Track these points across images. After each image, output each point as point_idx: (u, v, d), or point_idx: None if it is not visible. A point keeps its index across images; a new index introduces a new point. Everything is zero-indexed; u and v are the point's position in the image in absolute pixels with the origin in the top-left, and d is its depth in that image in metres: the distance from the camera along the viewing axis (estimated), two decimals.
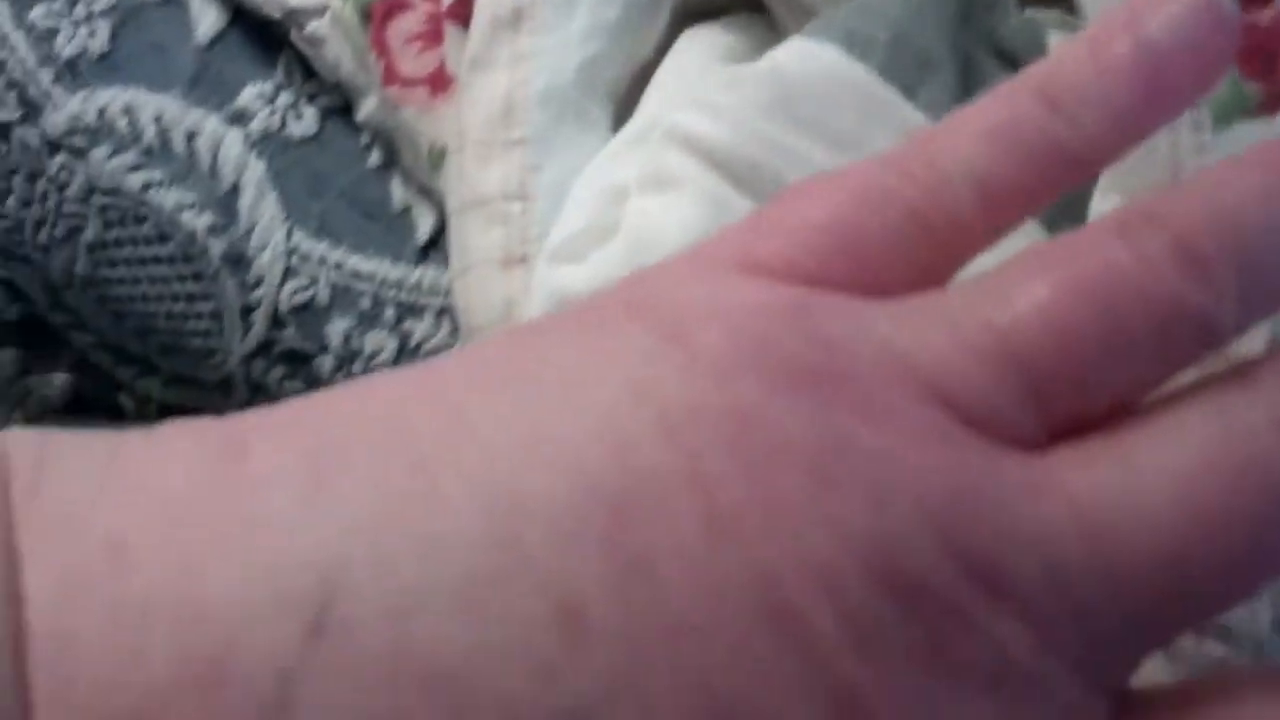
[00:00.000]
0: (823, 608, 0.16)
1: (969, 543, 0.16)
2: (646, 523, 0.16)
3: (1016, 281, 0.18)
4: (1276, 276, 0.18)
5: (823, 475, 0.16)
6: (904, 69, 0.29)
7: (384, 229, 0.37)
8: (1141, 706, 0.18)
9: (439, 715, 0.15)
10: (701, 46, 0.32)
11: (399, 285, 0.36)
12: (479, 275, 0.31)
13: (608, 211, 0.30)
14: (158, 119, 0.37)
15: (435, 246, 0.36)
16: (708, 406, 0.17)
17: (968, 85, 0.29)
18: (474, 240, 0.31)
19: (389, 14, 0.34)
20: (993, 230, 0.19)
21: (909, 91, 0.28)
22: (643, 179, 0.29)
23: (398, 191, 0.37)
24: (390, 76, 0.34)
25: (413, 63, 0.34)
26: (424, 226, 0.37)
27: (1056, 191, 0.19)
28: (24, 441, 0.17)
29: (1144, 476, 0.17)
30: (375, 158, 0.37)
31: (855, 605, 0.16)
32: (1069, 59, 0.19)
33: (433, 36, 0.34)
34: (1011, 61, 0.29)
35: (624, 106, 0.33)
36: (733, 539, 0.16)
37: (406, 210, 0.37)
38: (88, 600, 0.15)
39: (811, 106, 0.28)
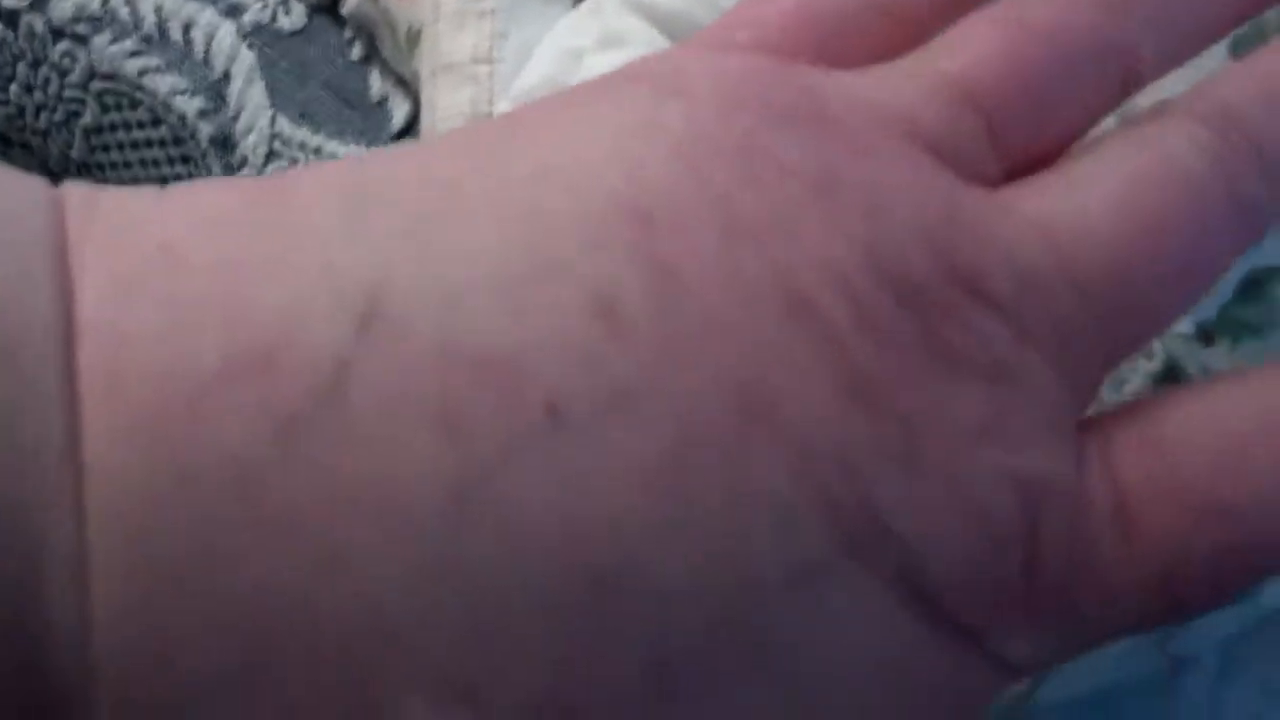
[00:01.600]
0: (835, 300, 0.17)
1: (951, 251, 0.18)
2: (669, 231, 0.17)
3: (962, 36, 0.20)
4: (1190, 19, 0.21)
5: (823, 191, 0.17)
6: None
7: (361, 117, 0.40)
8: (1112, 416, 0.19)
9: (487, 396, 0.15)
10: None
11: None
12: (448, 129, 0.34)
13: (564, 69, 0.33)
14: (158, 9, 0.41)
15: (409, 133, 0.40)
16: (713, 136, 0.18)
17: None
18: (444, 99, 0.35)
19: None
20: (944, 12, 0.21)
21: None
22: (597, 40, 0.33)
23: (376, 83, 0.40)
24: None
25: None
26: (399, 115, 0.40)
27: None
28: (76, 186, 0.17)
29: (1088, 196, 0.19)
30: (357, 51, 0.40)
31: (862, 298, 0.17)
32: None
33: None
34: None
35: None
36: (750, 243, 0.17)
37: (384, 100, 0.40)
38: (139, 297, 0.15)
39: None
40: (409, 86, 0.39)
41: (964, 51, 0.20)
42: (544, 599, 0.15)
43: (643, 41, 0.32)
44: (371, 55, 0.40)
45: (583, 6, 0.34)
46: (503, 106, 0.32)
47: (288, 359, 0.15)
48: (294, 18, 0.41)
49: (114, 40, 0.41)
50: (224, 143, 0.40)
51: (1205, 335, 0.27)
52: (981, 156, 0.19)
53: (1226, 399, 0.19)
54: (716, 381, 0.16)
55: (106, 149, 0.42)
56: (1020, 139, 0.20)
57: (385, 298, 0.16)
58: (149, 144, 0.41)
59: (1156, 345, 0.27)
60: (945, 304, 0.18)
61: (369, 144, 0.40)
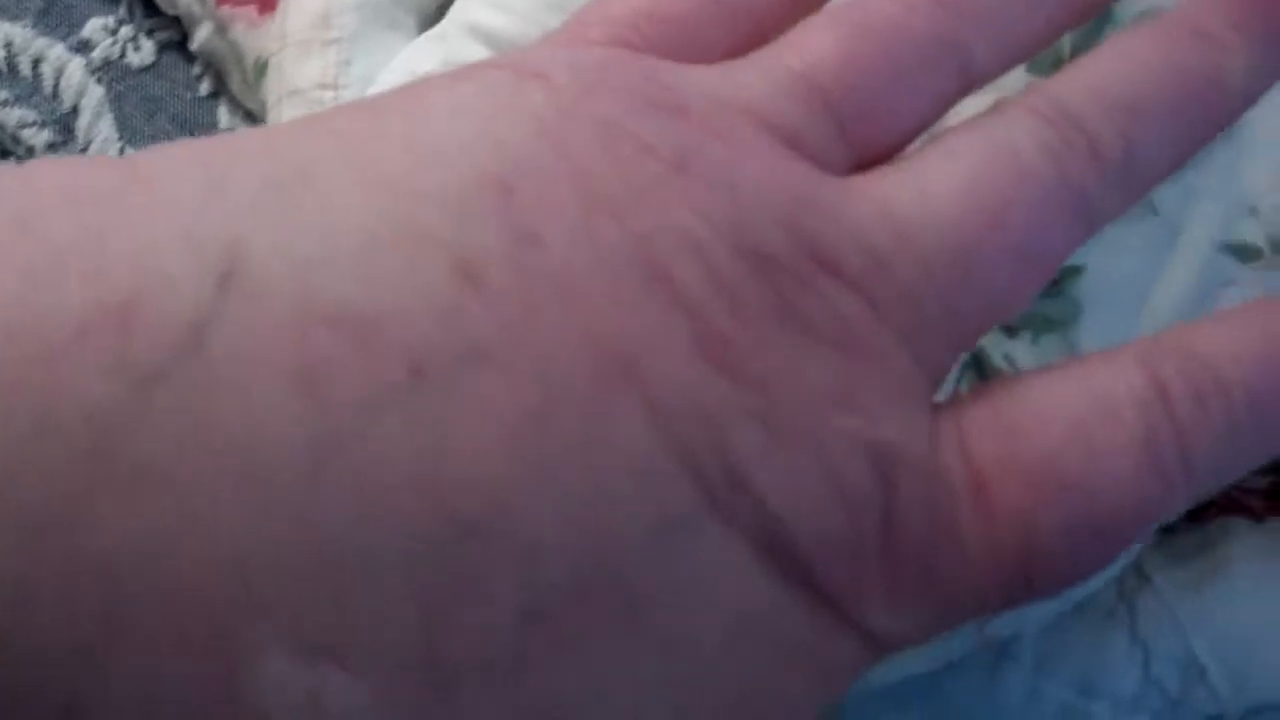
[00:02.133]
0: (691, 267, 0.17)
1: (803, 227, 0.18)
2: (531, 201, 0.17)
3: (806, 35, 0.21)
4: (1024, 21, 0.22)
5: (680, 167, 0.18)
6: None
7: None
8: (964, 399, 0.20)
9: (347, 353, 0.16)
10: None
11: None
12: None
13: None
14: (7, 44, 0.41)
15: None
16: (573, 115, 0.18)
17: None
18: None
19: None
20: (788, 11, 0.22)
21: None
22: (440, 66, 0.34)
23: (224, 117, 0.41)
24: None
25: None
26: None
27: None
28: None
29: (931, 183, 0.20)
30: (205, 86, 0.41)
31: (718, 267, 0.18)
32: None
33: None
34: None
35: (432, 24, 0.37)
36: (608, 213, 0.17)
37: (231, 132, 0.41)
38: None
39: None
40: (257, 119, 0.40)
41: (809, 49, 0.21)
42: (408, 553, 0.15)
43: None
44: (220, 90, 0.41)
45: (427, 34, 0.36)
46: None
47: (145, 316, 0.15)
48: (143, 54, 0.41)
49: None
50: None
51: (1009, 328, 0.29)
52: (829, 147, 0.20)
53: (1070, 382, 0.20)
54: (576, 341, 0.17)
55: None
56: (865, 132, 0.21)
57: (244, 258, 0.16)
58: None
59: None
60: (799, 276, 0.18)
61: None
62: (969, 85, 0.22)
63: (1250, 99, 0.22)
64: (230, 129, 0.41)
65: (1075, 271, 0.29)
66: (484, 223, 0.17)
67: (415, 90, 0.19)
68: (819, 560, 0.18)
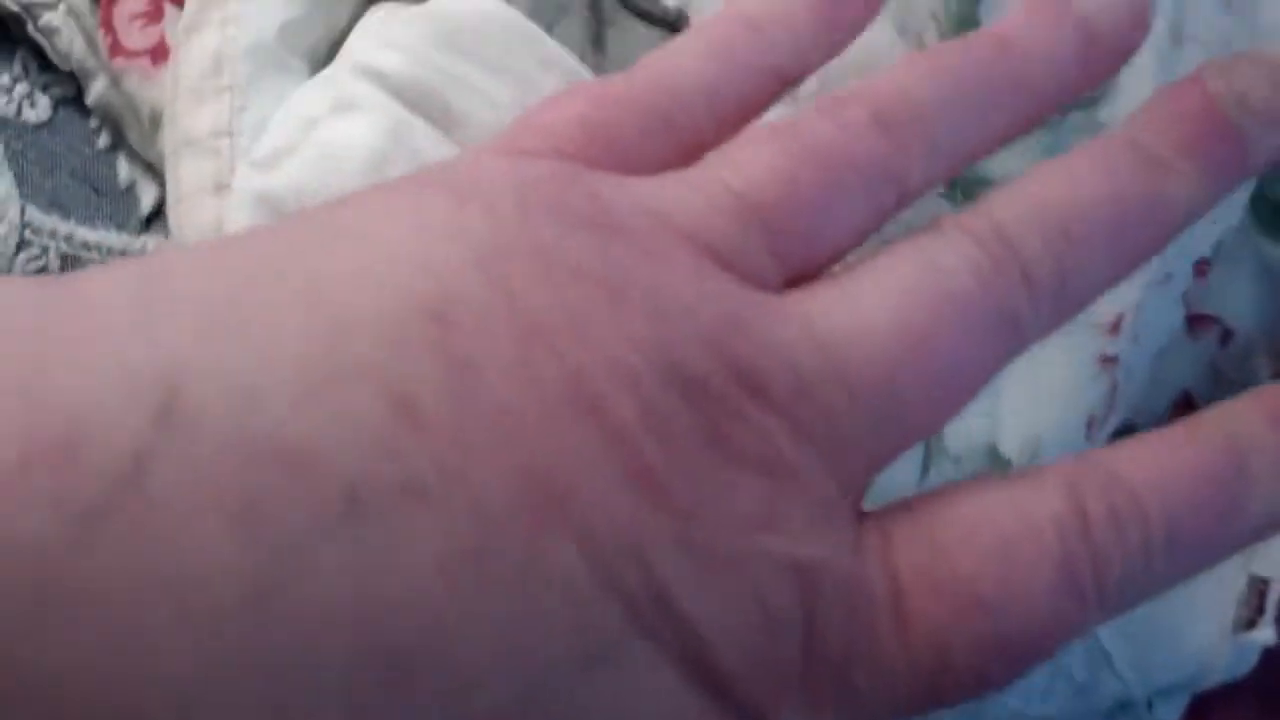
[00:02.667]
0: (623, 398, 0.18)
1: (734, 353, 0.19)
2: (467, 331, 0.17)
3: (744, 151, 0.22)
4: (957, 142, 0.22)
5: (615, 296, 0.18)
6: (545, 10, 0.35)
7: (111, 203, 0.41)
8: (890, 511, 0.21)
9: (285, 486, 0.16)
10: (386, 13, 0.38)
11: (124, 252, 0.40)
12: (192, 202, 0.36)
13: (299, 137, 0.35)
14: None
15: (158, 216, 0.41)
16: (510, 238, 0.19)
17: (598, 25, 0.35)
18: (186, 174, 0.36)
19: None
20: (724, 127, 0.23)
21: (548, 28, 0.35)
22: (330, 107, 0.34)
23: (124, 169, 0.41)
24: (116, 51, 0.38)
25: (136, 37, 0.38)
26: (147, 199, 0.41)
27: (769, 99, 0.23)
28: None
29: (862, 303, 0.20)
30: (104, 140, 0.41)
31: (649, 397, 0.18)
32: None
33: (154, 15, 0.39)
34: (632, 8, 0.36)
35: (323, 67, 0.38)
36: (543, 342, 0.18)
37: (132, 185, 0.41)
38: None
39: (472, 39, 0.34)
40: (156, 171, 0.40)
41: (747, 168, 0.21)
42: (346, 682, 0.16)
43: (375, 106, 0.34)
44: (118, 143, 0.41)
45: (317, 76, 0.36)
46: (241, 175, 0.34)
47: (85, 450, 0.15)
48: (39, 110, 0.41)
49: None
50: None
51: None
52: (762, 265, 0.21)
53: (995, 501, 0.20)
54: (511, 475, 0.17)
55: None
56: (799, 251, 0.21)
57: (181, 390, 0.16)
58: None
59: None
60: (726, 402, 0.19)
61: (119, 229, 0.40)
62: (905, 202, 0.22)
63: (1190, 221, 0.22)
64: (131, 181, 0.41)
65: None
66: (420, 354, 0.17)
67: (354, 210, 0.20)
68: (741, 678, 0.18)
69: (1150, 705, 0.35)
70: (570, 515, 0.17)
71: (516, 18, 0.34)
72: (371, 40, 0.36)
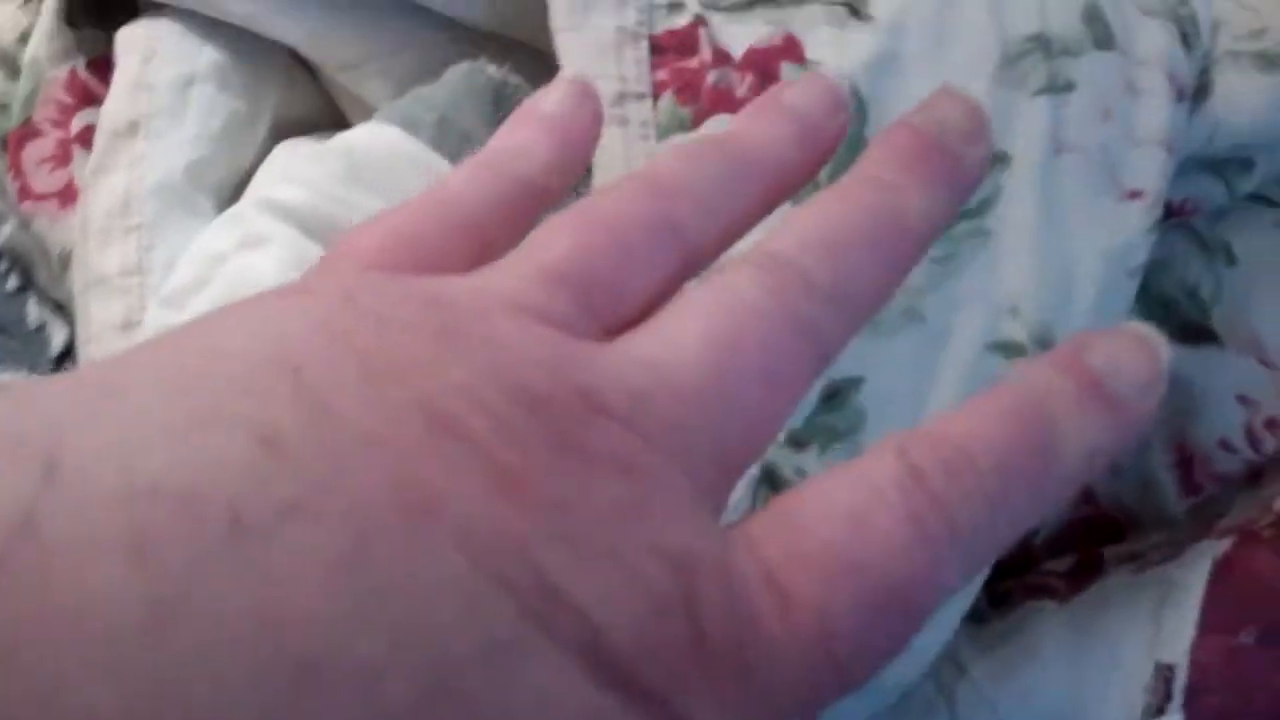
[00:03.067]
0: (472, 414, 0.19)
1: (568, 374, 0.21)
2: (320, 377, 0.19)
3: (546, 234, 0.24)
4: (730, 203, 0.25)
5: (451, 340, 0.20)
6: (449, 141, 0.36)
7: (21, 344, 0.41)
8: (738, 521, 0.22)
9: (170, 519, 0.17)
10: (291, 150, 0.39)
11: None
12: (102, 341, 0.36)
13: (208, 272, 0.35)
14: None
15: (69, 356, 0.41)
16: (350, 315, 0.20)
17: None
18: (96, 312, 0.36)
19: (23, 141, 0.39)
20: (512, 224, 0.26)
21: (453, 158, 0.36)
22: (238, 243, 0.35)
23: (33, 311, 0.41)
24: (25, 194, 0.39)
25: (45, 180, 0.39)
26: (58, 339, 0.41)
27: (532, 216, 0.26)
28: None
29: (670, 330, 0.22)
30: (13, 282, 0.41)
31: (499, 413, 0.19)
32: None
33: (62, 158, 0.39)
34: None
35: (230, 204, 0.39)
36: (393, 381, 0.19)
37: (42, 326, 0.41)
38: None
39: (377, 173, 0.35)
40: (66, 310, 0.40)
41: (547, 246, 0.23)
42: (258, 694, 0.17)
43: (280, 239, 0.34)
44: (27, 285, 0.41)
45: (224, 214, 0.37)
46: (152, 313, 0.34)
47: None
48: None
49: None
50: None
51: (796, 441, 0.31)
52: (578, 321, 0.22)
53: (839, 479, 0.22)
54: (379, 487, 0.18)
55: None
56: (608, 304, 0.23)
57: (64, 450, 0.17)
58: None
59: None
60: (571, 413, 0.20)
61: (30, 369, 0.40)
62: (691, 261, 0.25)
63: (934, 228, 0.26)
64: (40, 322, 0.41)
65: (855, 384, 0.31)
66: (279, 399, 0.19)
67: (211, 313, 0.21)
68: (641, 664, 0.19)
69: None
70: (444, 519, 0.18)
71: (419, 149, 0.35)
72: (276, 176, 0.37)
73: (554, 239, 0.23)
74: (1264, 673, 0.35)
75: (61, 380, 0.19)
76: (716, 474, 0.22)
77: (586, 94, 0.28)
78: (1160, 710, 0.35)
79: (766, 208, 0.26)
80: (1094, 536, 0.42)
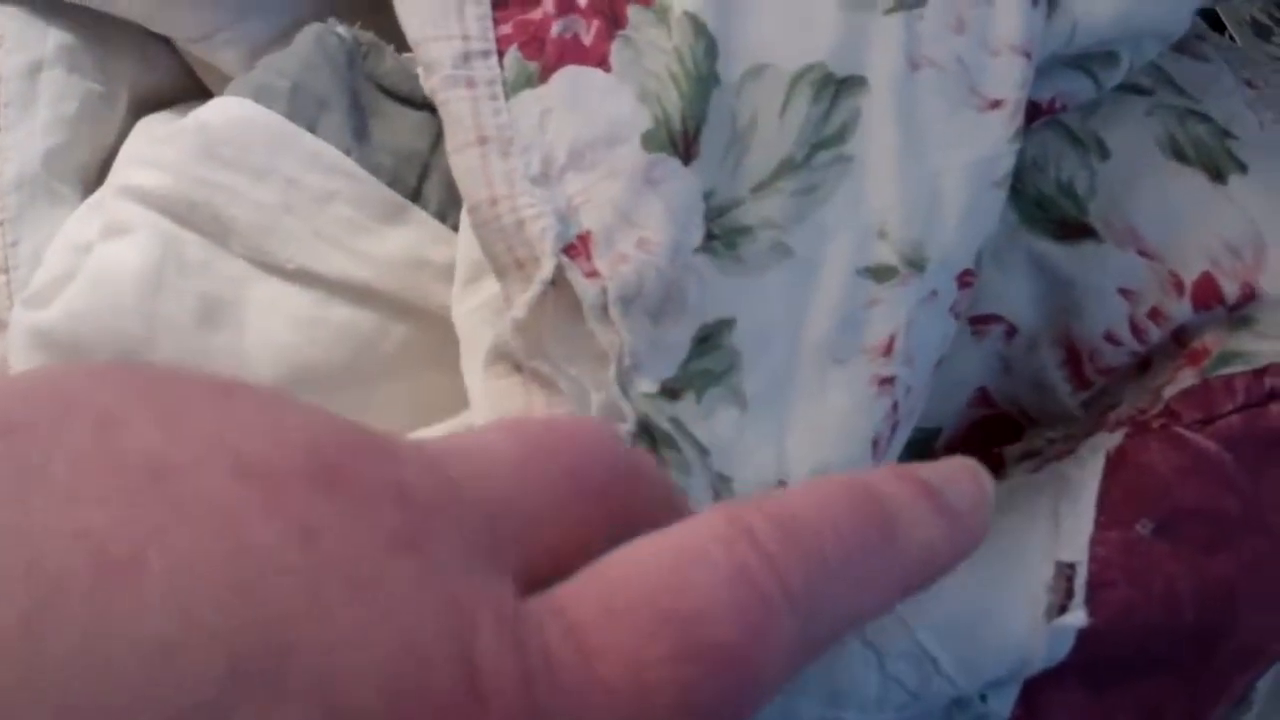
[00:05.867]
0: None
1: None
2: (31, 436, 0.18)
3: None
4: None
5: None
6: (304, 109, 0.35)
7: None
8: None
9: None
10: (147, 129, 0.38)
11: None
12: None
13: (73, 262, 0.35)
14: None
15: None
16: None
17: (360, 116, 0.36)
18: None
19: None
20: None
21: (310, 126, 0.35)
22: (102, 230, 0.35)
23: None
24: None
25: None
26: None
27: None
28: None
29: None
30: None
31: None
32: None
33: None
34: (392, 94, 0.36)
35: (95, 187, 0.38)
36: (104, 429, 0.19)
37: None
38: None
39: (233, 149, 0.34)
40: None
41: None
42: None
43: (143, 225, 0.34)
44: None
45: (86, 202, 0.36)
46: (16, 312, 0.34)
47: None
48: None
49: None
50: None
51: (671, 392, 0.31)
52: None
53: (661, 539, 0.21)
54: (68, 538, 0.17)
55: None
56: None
57: None
58: None
59: (627, 407, 0.30)
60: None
61: None
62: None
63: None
64: None
65: (727, 325, 0.31)
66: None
67: None
68: (402, 715, 0.18)
69: (984, 698, 0.37)
70: (142, 571, 0.17)
71: (275, 120, 0.35)
72: (133, 158, 0.36)
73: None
74: (1162, 562, 0.36)
75: None
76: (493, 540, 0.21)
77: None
78: (1063, 608, 0.35)
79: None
80: (993, 437, 0.42)
